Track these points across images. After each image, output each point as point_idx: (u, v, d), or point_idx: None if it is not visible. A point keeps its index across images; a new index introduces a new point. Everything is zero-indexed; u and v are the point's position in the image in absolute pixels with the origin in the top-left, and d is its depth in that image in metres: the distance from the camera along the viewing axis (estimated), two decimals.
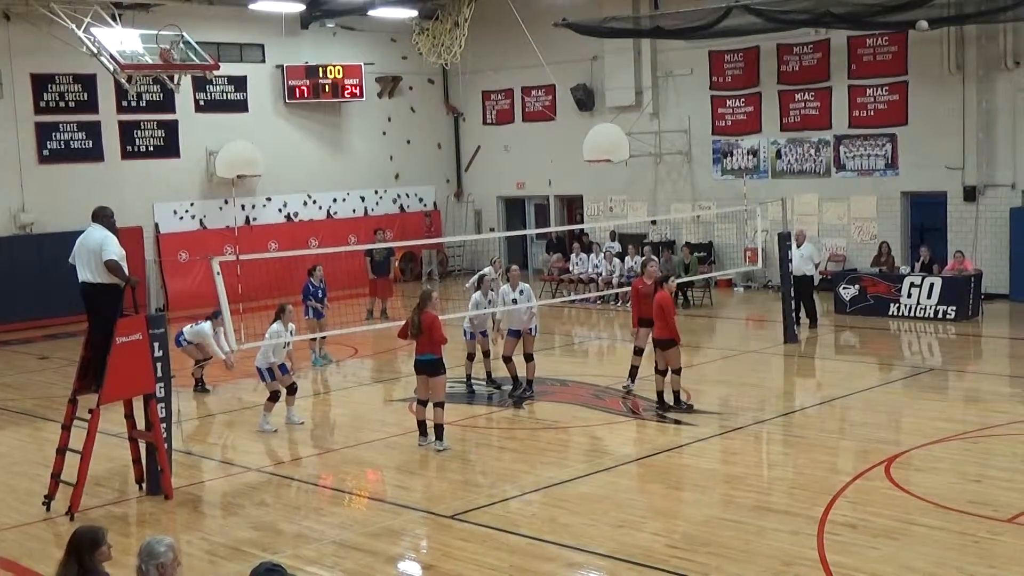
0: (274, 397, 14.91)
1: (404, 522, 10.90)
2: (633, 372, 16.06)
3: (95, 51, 21.62)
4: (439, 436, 13.41)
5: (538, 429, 14.43)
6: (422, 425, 13.66)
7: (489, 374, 16.88)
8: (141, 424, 12.13)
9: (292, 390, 15.09)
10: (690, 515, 10.69)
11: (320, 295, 19.39)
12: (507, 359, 16.40)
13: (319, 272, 19.55)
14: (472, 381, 16.88)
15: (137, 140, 26.97)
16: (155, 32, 21.21)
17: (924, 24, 21.17)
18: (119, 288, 11.64)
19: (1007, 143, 23.10)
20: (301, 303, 19.23)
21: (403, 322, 13.90)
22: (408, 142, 32.05)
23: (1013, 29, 22.53)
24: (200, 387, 17.36)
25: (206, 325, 16.89)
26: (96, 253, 11.46)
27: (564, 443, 13.83)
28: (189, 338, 17.05)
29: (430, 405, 13.49)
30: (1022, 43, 22.69)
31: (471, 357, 16.90)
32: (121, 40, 21.33)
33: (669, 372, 14.83)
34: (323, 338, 19.27)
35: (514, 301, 16.26)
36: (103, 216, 11.82)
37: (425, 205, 32.57)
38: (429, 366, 13.40)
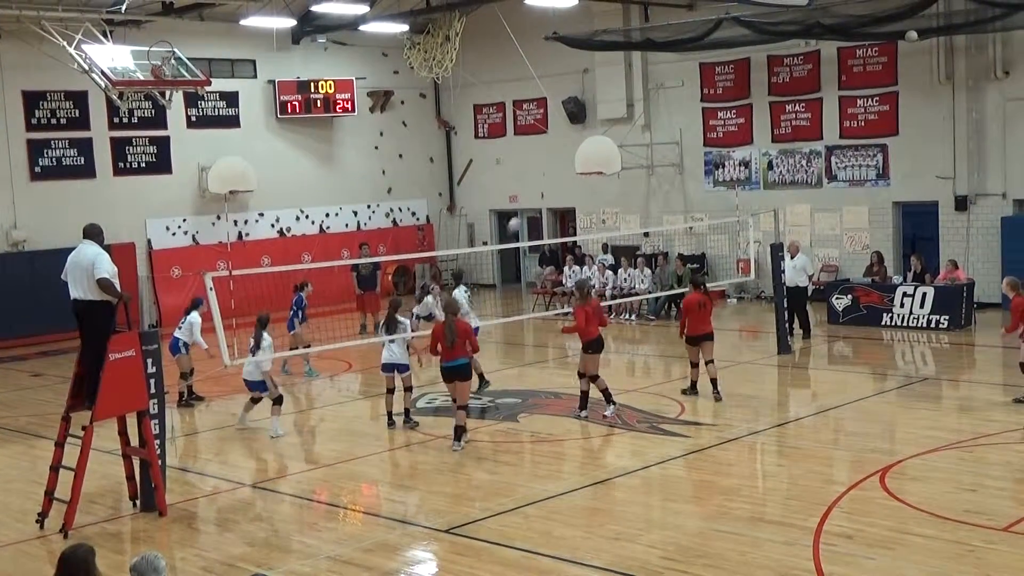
0: (279, 400, 15.24)
1: (399, 536, 10.88)
2: (584, 399, 15.38)
3: (86, 68, 21.63)
4: (458, 437, 13.98)
5: (532, 442, 14.42)
6: (459, 430, 14.02)
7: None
8: (135, 441, 12.11)
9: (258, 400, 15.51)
10: (685, 527, 10.68)
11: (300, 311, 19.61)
12: None
13: (310, 288, 19.79)
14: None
15: (129, 156, 26.96)
16: (146, 48, 21.23)
17: (913, 35, 21.28)
18: (111, 305, 11.62)
19: (998, 152, 23.18)
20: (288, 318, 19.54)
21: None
22: (400, 156, 32.08)
23: (1002, 39, 22.63)
24: (185, 400, 17.24)
25: (194, 315, 16.91)
26: (88, 271, 11.44)
27: (558, 456, 13.82)
28: (183, 337, 17.03)
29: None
30: (1011, 53, 22.79)
31: None
32: (112, 57, 21.35)
33: (709, 363, 16.08)
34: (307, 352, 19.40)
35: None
36: (94, 233, 11.81)
37: (418, 219, 32.59)
38: (462, 370, 14.01)
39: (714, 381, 15.98)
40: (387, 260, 27.83)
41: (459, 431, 13.99)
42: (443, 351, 13.97)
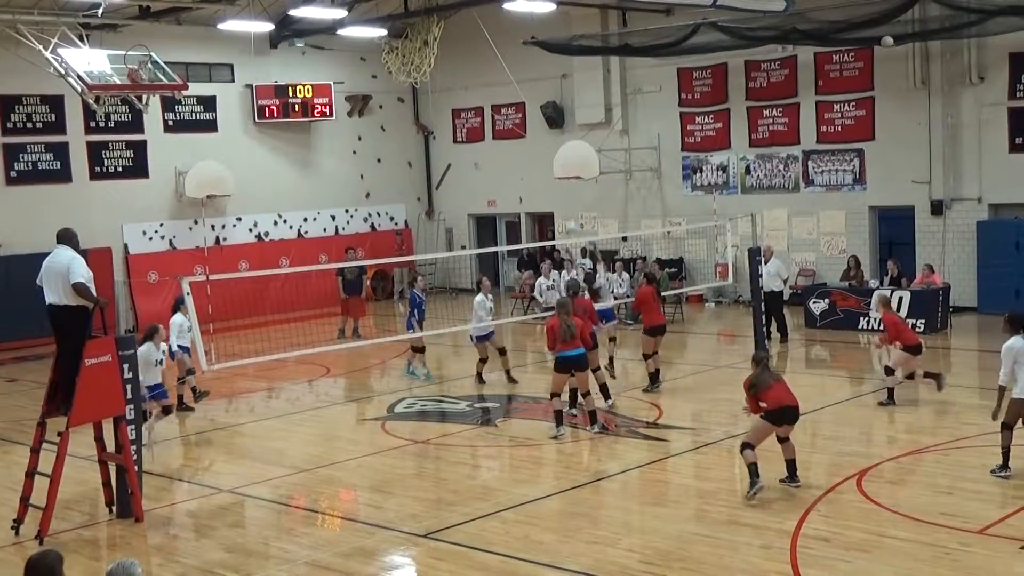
0: (168, 410, 15.52)
1: (377, 541, 10.86)
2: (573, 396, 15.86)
3: (62, 72, 21.49)
4: (594, 420, 14.68)
5: (511, 446, 14.42)
6: (559, 415, 14.56)
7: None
8: (111, 446, 12.04)
9: (167, 411, 15.51)
10: (664, 530, 10.70)
11: (424, 306, 18.99)
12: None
13: (421, 282, 19.61)
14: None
15: (106, 161, 26.82)
16: (123, 52, 21.11)
17: (889, 40, 21.40)
18: (87, 310, 11.56)
19: (973, 157, 23.33)
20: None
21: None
22: (378, 160, 32.04)
23: (977, 44, 22.78)
24: (182, 405, 17.10)
25: (176, 317, 16.81)
26: (63, 275, 11.37)
27: (537, 460, 13.82)
28: (176, 341, 16.78)
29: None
30: (986, 58, 22.94)
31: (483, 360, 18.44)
32: (89, 60, 21.22)
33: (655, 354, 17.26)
34: (423, 351, 19.15)
35: (490, 309, 18.13)
36: (68, 237, 11.74)
37: (396, 223, 32.54)
38: (582, 359, 14.51)
39: (658, 371, 17.31)
40: (370, 264, 27.74)
41: (593, 415, 14.69)
42: (561, 343, 14.31)
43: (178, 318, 16.95)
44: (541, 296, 23.44)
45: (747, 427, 14.74)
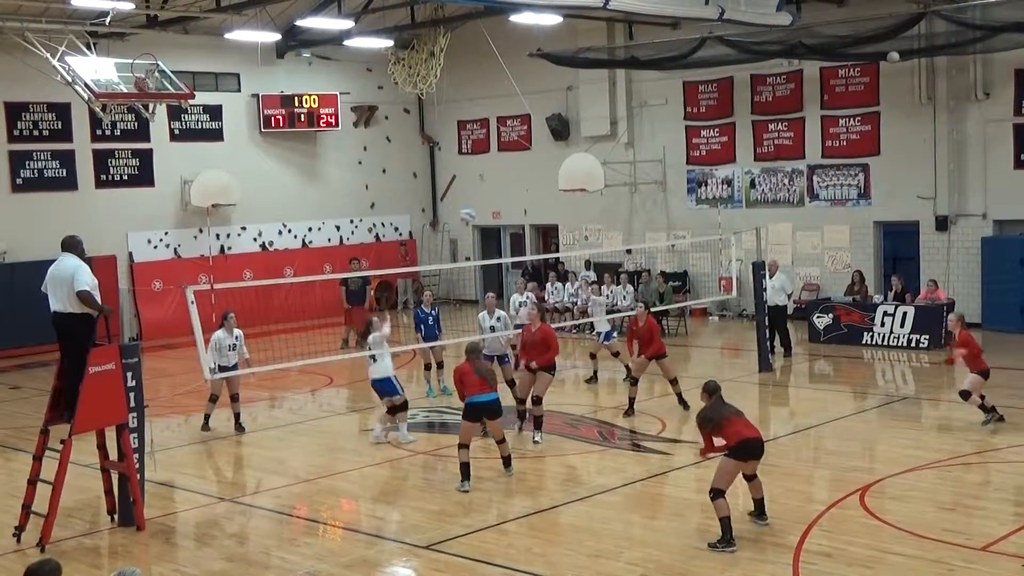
0: (392, 410, 15.25)
1: (379, 552, 10.85)
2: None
3: (69, 80, 21.53)
4: (508, 465, 13.45)
5: (513, 458, 14.37)
6: (466, 468, 12.97)
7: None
8: (114, 454, 12.04)
9: (404, 407, 15.32)
10: (666, 544, 10.67)
11: (431, 321, 18.39)
12: None
13: (427, 297, 19.12)
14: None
15: (111, 169, 26.87)
16: (130, 61, 21.15)
17: (895, 56, 21.44)
18: (92, 317, 11.57)
19: (978, 173, 23.33)
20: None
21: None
22: (384, 171, 32.07)
23: (983, 61, 22.81)
24: (206, 425, 16.72)
25: (220, 332, 16.28)
26: (68, 283, 11.39)
27: (540, 472, 13.80)
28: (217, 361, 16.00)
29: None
30: (992, 74, 22.96)
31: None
32: (96, 69, 21.25)
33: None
34: (440, 367, 18.54)
35: (492, 328, 16.78)
36: (73, 245, 11.76)
37: (400, 234, 32.57)
38: (497, 404, 13.22)
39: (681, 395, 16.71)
40: (374, 275, 27.79)
41: (507, 461, 13.40)
42: (478, 386, 12.98)
43: (220, 334, 16.24)
44: (515, 312, 20.24)
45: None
